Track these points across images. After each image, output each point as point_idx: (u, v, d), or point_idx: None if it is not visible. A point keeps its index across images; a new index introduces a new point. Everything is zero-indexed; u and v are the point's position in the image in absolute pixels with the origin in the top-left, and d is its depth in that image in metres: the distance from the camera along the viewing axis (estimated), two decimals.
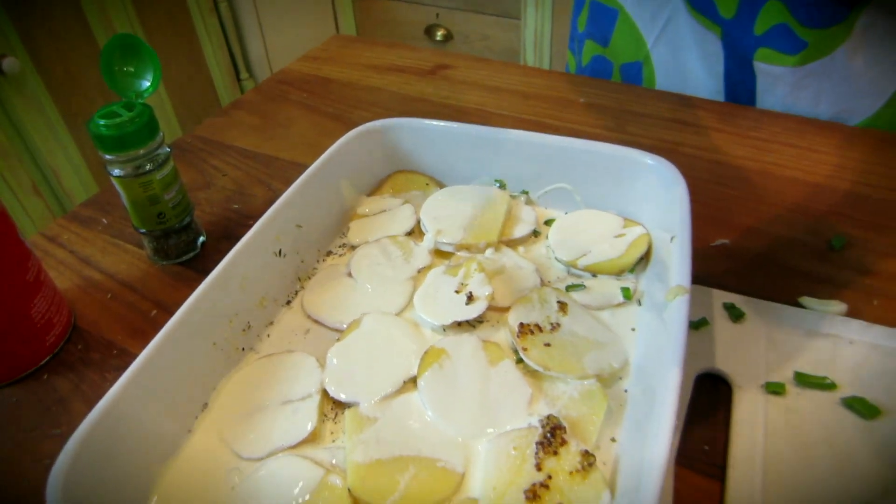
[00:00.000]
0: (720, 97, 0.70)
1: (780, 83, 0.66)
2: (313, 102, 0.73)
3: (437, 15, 2.12)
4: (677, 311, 0.36)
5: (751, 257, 0.49)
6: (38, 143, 1.59)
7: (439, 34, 2.14)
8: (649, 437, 0.31)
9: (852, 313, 0.44)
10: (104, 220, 0.59)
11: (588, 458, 0.34)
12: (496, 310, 0.43)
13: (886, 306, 0.45)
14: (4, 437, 0.42)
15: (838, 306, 0.44)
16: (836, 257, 0.49)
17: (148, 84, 0.48)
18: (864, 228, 0.51)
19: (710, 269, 0.48)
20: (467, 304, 0.42)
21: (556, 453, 0.35)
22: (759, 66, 0.67)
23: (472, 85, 0.73)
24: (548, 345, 0.40)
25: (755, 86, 0.68)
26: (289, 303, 0.47)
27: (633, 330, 0.42)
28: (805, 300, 0.45)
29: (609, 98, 0.68)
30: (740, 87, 0.68)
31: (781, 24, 0.63)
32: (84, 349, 0.48)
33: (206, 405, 0.40)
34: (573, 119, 0.65)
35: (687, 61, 0.70)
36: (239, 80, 2.13)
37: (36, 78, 1.55)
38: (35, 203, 1.57)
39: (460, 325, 0.43)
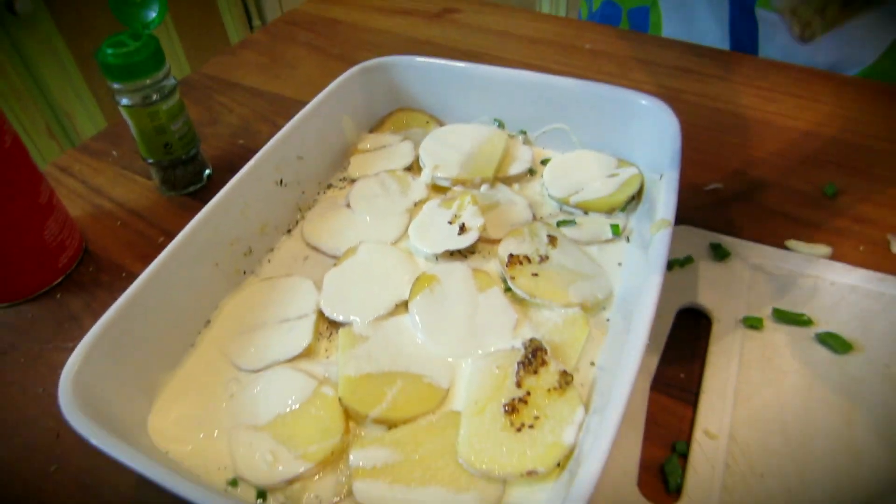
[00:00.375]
0: (726, 44, 0.70)
1: (779, 31, 0.66)
2: (320, 43, 0.74)
3: None
4: (659, 243, 0.38)
5: (743, 202, 0.50)
6: (51, 84, 1.60)
7: None
8: (622, 359, 0.33)
9: (837, 257, 0.45)
10: (114, 153, 0.61)
11: (566, 378, 0.36)
12: (488, 241, 0.45)
13: (871, 252, 0.46)
14: (21, 349, 0.45)
15: (823, 249, 0.46)
16: (827, 204, 0.50)
17: (154, 15, 0.49)
18: (857, 177, 0.51)
19: (701, 212, 0.49)
20: (459, 234, 0.44)
21: (535, 372, 0.36)
22: (760, 14, 0.66)
23: (479, 29, 0.73)
24: (535, 275, 0.42)
25: (757, 34, 0.68)
26: (289, 231, 0.48)
27: (620, 265, 0.44)
28: (791, 243, 0.46)
29: (614, 45, 0.68)
30: (744, 35, 0.68)
31: None
32: (95, 271, 0.50)
33: (208, 322, 0.42)
34: (578, 65, 0.66)
35: (694, 7, 0.70)
36: (251, 27, 2.12)
37: (48, 19, 1.56)
38: (49, 145, 1.59)
39: (452, 255, 0.44)
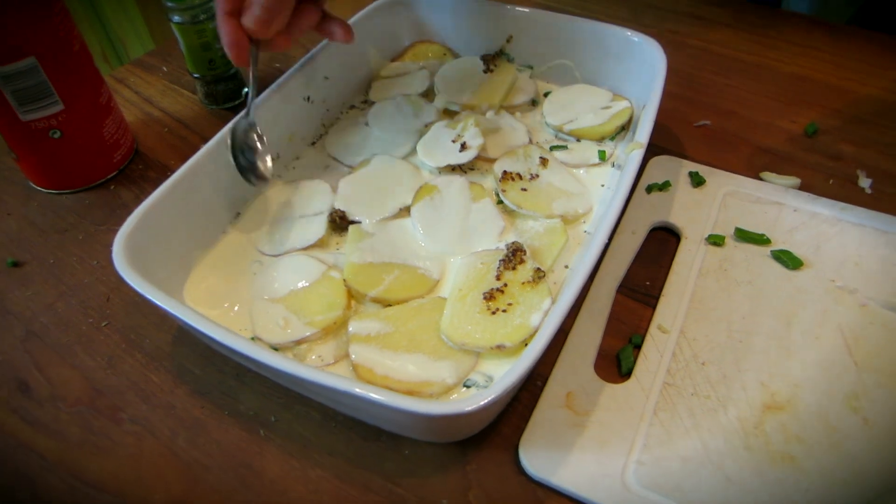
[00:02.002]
0: None
1: None
2: None
3: None
4: (631, 162, 0.42)
5: (727, 137, 0.55)
6: (106, 8, 1.67)
7: None
8: (583, 257, 0.38)
9: (807, 188, 0.50)
10: (164, 68, 0.67)
11: (538, 274, 0.42)
12: (486, 160, 0.50)
13: (840, 185, 0.50)
14: (80, 228, 0.52)
15: (793, 181, 0.50)
16: (806, 142, 0.54)
17: None
18: (838, 118, 0.55)
19: (687, 145, 0.54)
20: (461, 151, 0.49)
21: (514, 269, 0.42)
22: None
23: None
24: (524, 189, 0.47)
25: None
26: (313, 143, 0.54)
27: (603, 185, 0.49)
28: (765, 174, 0.51)
29: None
30: None
31: None
32: (144, 168, 0.57)
33: (238, 214, 0.49)
34: (593, 9, 0.69)
35: None
36: None
37: None
38: (103, 69, 1.67)
39: (454, 169, 0.50)
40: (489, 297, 0.41)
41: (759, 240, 0.45)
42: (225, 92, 0.61)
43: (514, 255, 0.43)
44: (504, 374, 0.32)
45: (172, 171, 0.55)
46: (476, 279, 0.42)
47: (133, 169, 0.57)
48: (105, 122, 0.54)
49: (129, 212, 0.51)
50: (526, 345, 0.39)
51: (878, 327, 0.41)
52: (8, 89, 0.47)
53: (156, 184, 0.54)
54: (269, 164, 0.47)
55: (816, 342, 0.40)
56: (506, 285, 0.41)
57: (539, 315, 0.40)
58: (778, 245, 0.45)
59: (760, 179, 0.50)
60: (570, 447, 0.36)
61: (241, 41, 0.43)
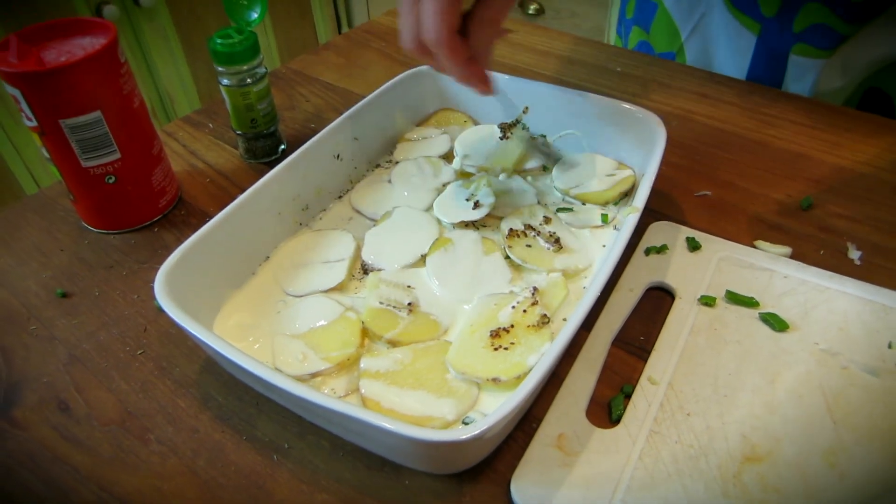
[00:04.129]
0: None
1: (810, 72, 0.73)
2: (390, 51, 0.85)
3: None
4: (626, 224, 0.46)
5: (725, 207, 0.58)
6: (160, 68, 1.79)
7: (532, 8, 2.22)
8: (576, 309, 0.42)
9: (798, 257, 0.53)
10: (210, 125, 0.74)
11: (544, 319, 0.45)
12: (496, 218, 0.54)
13: (830, 255, 0.53)
14: (124, 266, 0.57)
15: (784, 249, 0.53)
16: (801, 214, 0.57)
17: (256, 16, 0.61)
18: (833, 194, 0.58)
19: (687, 212, 0.58)
20: (474, 209, 0.54)
21: (524, 311, 0.46)
22: (794, 59, 0.73)
23: (526, 48, 0.83)
24: (529, 246, 0.51)
25: (784, 77, 0.75)
26: (340, 197, 0.59)
27: (604, 246, 0.53)
28: (758, 243, 0.54)
29: (642, 69, 0.77)
30: (764, 80, 0.75)
31: (821, 23, 0.69)
32: (186, 215, 0.62)
33: (267, 258, 0.53)
34: (606, 84, 0.75)
35: (716, 55, 0.78)
36: (339, 31, 2.28)
37: (165, 11, 1.75)
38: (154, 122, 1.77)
39: (467, 225, 0.54)
40: (495, 334, 0.44)
41: (749, 302, 0.48)
42: (263, 148, 0.67)
43: (534, 294, 0.46)
44: (498, 408, 0.35)
45: (210, 218, 0.60)
46: (487, 317, 0.46)
47: (176, 214, 0.62)
48: (154, 171, 0.59)
49: (170, 252, 0.57)
50: (518, 379, 0.42)
51: (857, 389, 0.43)
52: (74, 138, 0.53)
53: (196, 229, 0.59)
54: None
55: (798, 400, 0.43)
56: (512, 326, 0.45)
57: (536, 356, 0.43)
58: (766, 308, 0.48)
59: (754, 247, 0.54)
60: (559, 485, 0.39)
61: (480, 75, 0.50)
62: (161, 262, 0.45)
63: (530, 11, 2.22)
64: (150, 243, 0.59)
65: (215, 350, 0.40)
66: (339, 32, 2.26)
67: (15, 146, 1.59)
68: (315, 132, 0.69)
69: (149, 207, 0.60)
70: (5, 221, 0.63)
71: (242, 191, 0.62)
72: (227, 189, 0.65)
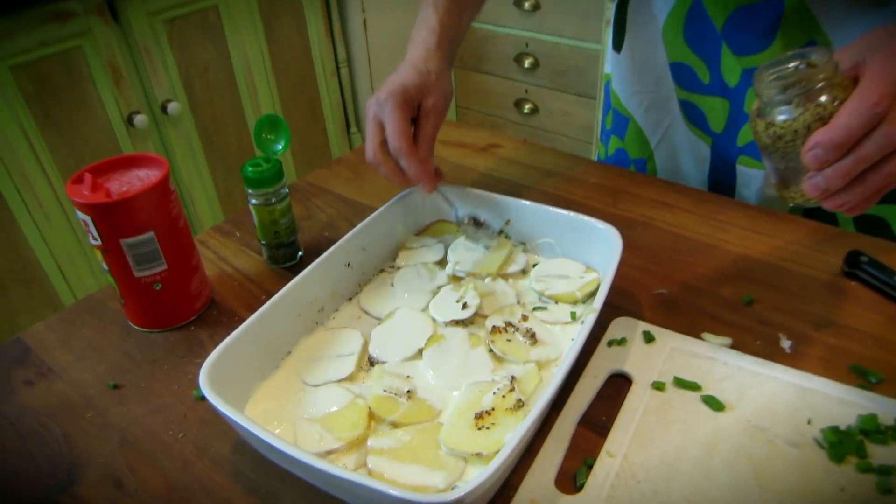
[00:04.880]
0: (705, 188, 0.89)
1: (755, 181, 0.85)
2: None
3: (526, 91, 2.37)
4: (586, 322, 0.56)
5: (678, 303, 0.68)
6: (182, 170, 1.94)
7: (527, 107, 2.39)
8: (542, 394, 0.51)
9: (737, 347, 0.62)
10: (237, 234, 0.85)
11: (519, 403, 0.54)
12: (482, 316, 0.65)
13: (765, 345, 0.62)
14: (166, 360, 0.67)
15: (725, 340, 0.63)
16: (743, 309, 0.67)
17: (280, 147, 0.74)
18: (770, 291, 0.68)
19: (646, 308, 0.68)
20: (462, 309, 0.64)
21: (503, 397, 0.55)
22: (740, 169, 0.85)
23: (512, 161, 0.95)
24: (509, 340, 0.61)
25: (735, 182, 0.87)
26: (350, 298, 0.70)
27: (572, 339, 0.62)
28: (704, 334, 0.64)
29: (613, 180, 0.89)
30: (722, 184, 0.87)
31: None
32: (218, 314, 0.72)
33: (289, 352, 0.63)
34: (581, 194, 0.86)
35: (681, 161, 0.90)
36: (349, 133, 2.45)
37: (190, 119, 1.91)
38: None
39: (457, 323, 0.64)
40: (479, 416, 0.54)
41: (693, 387, 0.58)
42: (284, 255, 0.78)
43: (511, 382, 0.56)
44: (476, 476, 0.44)
45: (239, 317, 0.70)
46: (472, 402, 0.55)
47: (209, 314, 0.72)
48: (193, 278, 0.70)
49: (205, 348, 0.67)
50: (496, 453, 0.51)
51: (781, 459, 0.52)
52: (130, 254, 0.64)
53: (227, 327, 0.70)
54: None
55: (731, 469, 0.51)
56: (493, 409, 0.54)
57: (512, 435, 0.52)
58: (708, 391, 0.57)
59: (701, 339, 0.63)
60: None
61: (432, 177, 0.70)
62: (197, 357, 0.55)
63: (525, 110, 2.39)
64: (188, 340, 0.69)
65: (249, 432, 0.49)
66: (348, 134, 2.43)
67: (53, 256, 1.71)
68: (329, 239, 0.80)
69: (187, 309, 0.71)
70: (63, 322, 0.74)
71: (266, 293, 0.73)
72: (252, 291, 0.75)
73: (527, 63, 2.29)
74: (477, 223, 0.73)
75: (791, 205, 0.58)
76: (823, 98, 0.50)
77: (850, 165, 0.49)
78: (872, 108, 0.47)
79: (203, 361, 0.56)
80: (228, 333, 0.58)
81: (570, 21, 2.12)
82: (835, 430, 0.52)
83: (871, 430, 0.52)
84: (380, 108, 0.68)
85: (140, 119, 1.75)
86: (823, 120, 0.50)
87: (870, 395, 0.56)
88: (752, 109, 0.55)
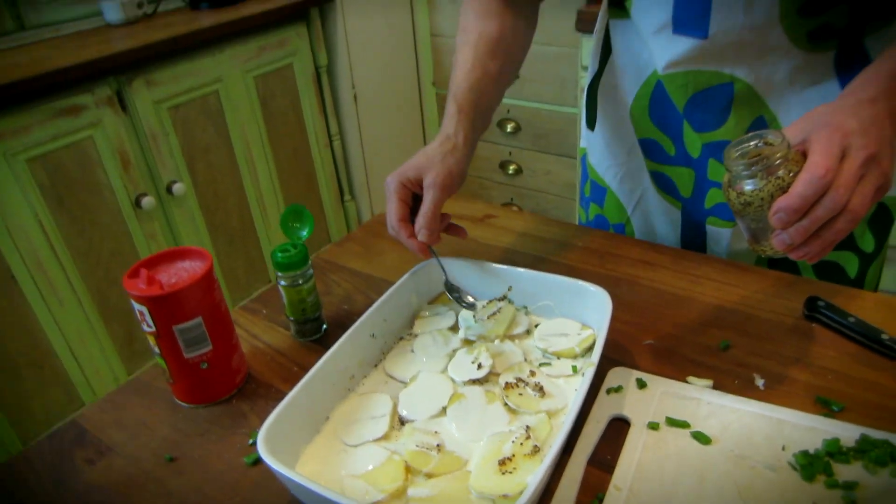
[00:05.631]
0: (679, 246, 0.99)
1: (723, 238, 0.96)
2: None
3: (510, 153, 2.50)
4: (587, 375, 0.66)
5: (664, 352, 0.78)
6: (187, 245, 2.02)
7: (511, 168, 2.52)
8: (555, 441, 0.60)
9: (718, 387, 0.71)
10: (264, 311, 0.94)
11: (536, 449, 0.63)
12: (495, 374, 0.73)
13: (742, 384, 0.72)
14: (214, 431, 0.75)
15: (708, 382, 0.72)
16: (720, 354, 0.76)
17: (305, 233, 0.83)
18: (744, 337, 0.78)
19: (637, 358, 0.77)
20: (477, 369, 0.73)
21: (521, 444, 0.64)
22: (709, 228, 0.96)
23: (507, 230, 1.05)
24: (520, 394, 0.70)
25: (706, 240, 0.98)
26: (376, 365, 0.78)
27: (576, 390, 0.71)
28: (689, 378, 0.73)
29: (598, 243, 0.99)
30: (694, 242, 0.98)
31: (723, 202, 0.92)
32: (255, 387, 0.81)
33: (327, 418, 0.71)
34: (571, 257, 0.96)
35: (656, 224, 1.01)
36: (343, 201, 2.56)
37: (193, 197, 2.01)
38: None
39: (474, 382, 0.73)
40: (502, 462, 0.62)
41: (683, 425, 0.67)
42: (311, 329, 0.87)
43: (526, 430, 0.64)
44: None
45: (276, 389, 0.79)
46: (495, 450, 0.64)
47: (247, 388, 0.81)
48: (234, 355, 0.79)
49: (248, 419, 0.75)
50: (521, 494, 0.59)
51: (761, 481, 0.60)
52: (181, 338, 0.73)
53: (265, 398, 0.78)
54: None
55: (720, 493, 0.60)
56: (514, 455, 0.63)
57: (532, 476, 0.60)
58: (696, 428, 0.66)
59: (686, 382, 0.73)
60: None
61: (423, 249, 0.80)
62: (242, 428, 0.63)
63: (510, 171, 2.52)
64: (231, 413, 0.77)
65: (306, 489, 0.57)
66: (342, 203, 2.54)
67: (65, 338, 1.78)
68: (348, 311, 0.89)
69: (228, 384, 0.79)
70: (112, 403, 0.81)
71: (297, 364, 0.81)
72: (284, 364, 0.84)
73: (509, 127, 2.43)
74: (460, 300, 0.83)
75: (763, 255, 0.68)
76: (781, 172, 0.61)
77: (807, 225, 0.59)
78: (821, 179, 0.58)
79: (247, 432, 0.64)
80: (268, 404, 0.66)
81: (548, 88, 2.27)
82: (805, 453, 0.61)
83: (835, 452, 0.61)
84: (386, 189, 0.82)
85: (147, 201, 1.84)
86: (783, 189, 0.60)
87: (833, 422, 0.65)
88: (724, 181, 0.66)
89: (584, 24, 1.98)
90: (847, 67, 0.79)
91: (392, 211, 0.80)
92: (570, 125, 2.28)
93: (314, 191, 2.42)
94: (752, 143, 0.63)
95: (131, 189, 1.82)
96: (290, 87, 2.22)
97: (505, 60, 0.90)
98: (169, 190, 1.91)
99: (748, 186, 0.63)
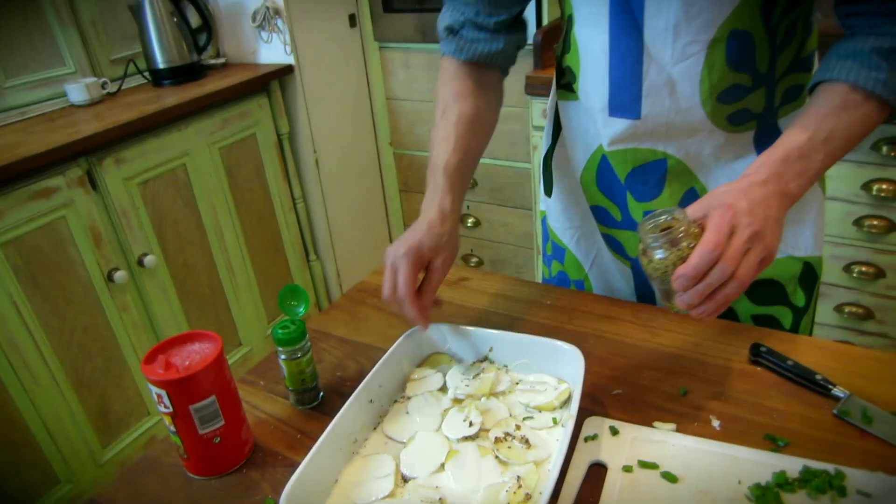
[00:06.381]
0: (634, 300, 1.11)
1: None
2: (381, 305, 1.15)
3: (468, 206, 2.62)
4: (567, 426, 0.75)
5: (632, 400, 0.87)
6: (160, 318, 2.06)
7: (470, 221, 2.64)
8: (544, 489, 0.68)
9: (680, 430, 0.81)
10: (262, 383, 1.00)
11: (527, 497, 0.71)
12: (485, 430, 0.82)
13: (700, 426, 0.82)
14: (227, 501, 0.81)
15: (671, 426, 0.82)
16: (680, 399, 0.87)
17: (302, 310, 0.91)
18: (700, 383, 0.89)
19: (609, 407, 0.86)
20: (469, 427, 0.81)
21: (514, 493, 0.72)
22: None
23: (481, 292, 1.15)
24: (509, 447, 0.78)
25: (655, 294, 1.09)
26: (375, 428, 0.86)
27: (557, 440, 0.80)
28: (655, 423, 0.83)
29: (565, 301, 1.09)
30: (648, 296, 1.09)
31: None
32: (262, 455, 0.87)
33: (336, 480, 0.78)
34: (542, 316, 1.06)
35: (612, 281, 1.12)
36: (308, 260, 2.63)
37: (164, 268, 2.05)
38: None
39: (467, 438, 0.81)
40: None
41: (653, 466, 0.76)
42: (310, 398, 0.94)
43: (517, 481, 0.73)
44: None
45: (282, 456, 0.85)
46: (492, 500, 0.72)
47: (255, 456, 0.87)
48: (242, 428, 0.85)
49: (260, 486, 0.81)
50: None
51: None
52: (196, 416, 0.79)
53: (273, 466, 0.84)
54: None
55: None
56: (509, 502, 0.71)
57: None
58: (664, 468, 0.76)
59: (653, 426, 0.82)
60: None
61: (425, 317, 0.88)
62: (255, 495, 0.70)
63: (469, 224, 2.64)
64: (243, 482, 0.83)
65: None
66: (308, 262, 2.60)
67: (41, 416, 1.78)
68: (342, 378, 0.97)
69: (238, 455, 0.85)
70: (126, 481, 0.86)
71: (300, 431, 0.88)
72: (287, 432, 0.90)
73: None
74: None
75: (673, 311, 0.80)
76: (683, 244, 0.72)
77: (702, 289, 0.71)
78: (711, 252, 0.69)
79: (261, 499, 0.71)
80: (276, 471, 0.73)
81: (501, 145, 2.41)
82: (758, 486, 0.71)
83: (783, 483, 0.71)
84: (397, 260, 0.87)
85: (119, 275, 1.88)
86: (683, 259, 0.72)
87: (780, 457, 0.76)
88: (639, 249, 0.77)
89: (532, 88, 2.13)
90: (765, 144, 0.92)
91: (403, 283, 0.86)
92: (523, 179, 2.42)
93: (280, 253, 2.48)
94: (661, 218, 0.75)
95: (103, 264, 1.86)
96: (254, 155, 2.30)
97: (482, 137, 1.01)
98: (140, 262, 1.95)
99: (657, 255, 0.74)
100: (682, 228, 0.72)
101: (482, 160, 1.05)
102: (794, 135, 0.78)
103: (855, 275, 1.98)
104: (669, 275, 0.73)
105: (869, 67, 0.77)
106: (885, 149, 1.79)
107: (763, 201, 0.73)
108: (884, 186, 1.83)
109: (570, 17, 0.98)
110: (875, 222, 1.88)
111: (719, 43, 0.86)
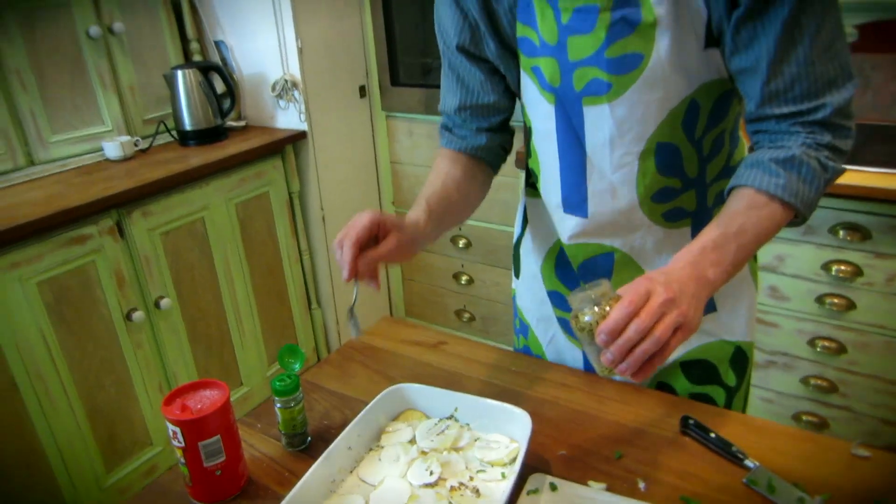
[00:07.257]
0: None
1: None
2: (367, 363, 1.31)
3: (462, 265, 2.79)
4: (509, 480, 0.89)
5: (573, 460, 1.02)
6: (171, 357, 2.21)
7: (463, 279, 2.81)
8: None
9: (610, 489, 0.95)
10: (258, 425, 1.16)
11: None
12: (443, 479, 0.96)
13: (628, 486, 0.96)
14: None
15: (603, 485, 0.96)
16: (615, 462, 1.01)
17: (297, 366, 1.07)
18: (635, 448, 1.03)
19: (552, 465, 1.01)
20: (430, 476, 0.96)
21: None
22: None
23: (457, 356, 1.30)
24: (462, 495, 0.93)
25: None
26: (351, 471, 1.01)
27: (504, 492, 0.94)
28: (590, 482, 0.97)
29: (528, 368, 1.24)
30: (592, 374, 1.25)
31: None
32: (255, 489, 1.02)
33: None
34: (506, 380, 1.21)
35: (565, 360, 1.27)
36: (310, 309, 2.79)
37: (178, 311, 2.22)
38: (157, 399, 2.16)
39: (427, 486, 0.96)
40: None
41: None
42: (299, 441, 1.09)
43: None
44: None
45: (272, 490, 1.00)
46: None
47: (249, 489, 1.02)
48: (240, 463, 1.00)
49: None
50: None
51: None
52: (203, 451, 0.95)
53: (263, 498, 0.99)
54: None
55: None
56: None
57: None
58: None
59: (587, 485, 0.97)
60: None
61: (354, 274, 0.93)
62: None
63: (462, 281, 2.80)
64: None
65: None
66: (310, 310, 2.76)
67: (56, 441, 1.93)
68: (328, 426, 1.12)
69: (235, 486, 1.00)
70: None
71: (289, 470, 1.03)
72: (277, 469, 1.05)
73: (461, 243, 2.73)
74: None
75: (603, 376, 0.93)
76: (607, 308, 0.87)
77: (622, 343, 0.82)
78: (627, 308, 0.81)
79: None
80: (266, 502, 0.87)
81: (495, 209, 2.59)
82: None
83: None
84: (359, 215, 0.96)
85: (137, 315, 2.05)
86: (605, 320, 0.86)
87: None
88: (571, 315, 0.92)
89: (521, 162, 2.32)
90: None
91: (353, 234, 0.92)
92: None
93: (285, 301, 2.65)
94: (588, 287, 0.90)
95: (124, 304, 2.03)
96: (267, 211, 2.49)
97: (466, 192, 1.18)
98: (157, 304, 2.12)
99: (585, 318, 0.89)
100: (606, 294, 0.87)
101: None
102: (710, 230, 0.93)
103: (819, 349, 2.11)
104: (594, 333, 0.87)
105: (769, 174, 0.93)
106: (841, 233, 1.95)
107: (679, 280, 0.86)
108: (842, 267, 1.98)
109: (530, 129, 1.16)
110: (836, 300, 2.03)
111: (649, 153, 1.03)
